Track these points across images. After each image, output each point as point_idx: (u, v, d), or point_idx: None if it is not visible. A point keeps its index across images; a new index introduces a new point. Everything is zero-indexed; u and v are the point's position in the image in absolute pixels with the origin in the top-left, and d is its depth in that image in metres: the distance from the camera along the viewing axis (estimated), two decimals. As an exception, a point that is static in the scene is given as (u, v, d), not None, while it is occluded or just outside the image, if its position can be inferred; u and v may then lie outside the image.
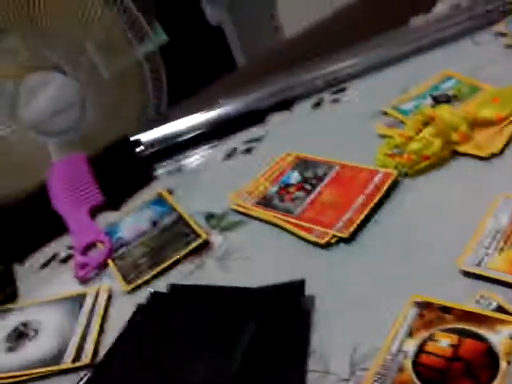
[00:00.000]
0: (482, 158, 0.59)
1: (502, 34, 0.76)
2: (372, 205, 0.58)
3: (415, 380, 0.41)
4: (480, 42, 0.78)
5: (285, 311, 0.49)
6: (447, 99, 0.69)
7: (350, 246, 0.55)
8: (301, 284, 0.50)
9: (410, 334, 0.45)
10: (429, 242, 0.53)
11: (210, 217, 0.66)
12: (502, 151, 0.59)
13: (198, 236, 0.62)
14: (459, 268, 0.48)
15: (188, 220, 0.65)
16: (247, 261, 0.58)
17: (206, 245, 0.61)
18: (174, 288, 0.56)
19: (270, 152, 0.71)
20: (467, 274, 0.48)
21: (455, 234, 0.52)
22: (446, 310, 0.45)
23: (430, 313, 0.46)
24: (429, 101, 0.70)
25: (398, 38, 0.81)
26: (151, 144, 0.79)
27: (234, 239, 0.61)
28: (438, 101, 0.69)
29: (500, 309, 0.44)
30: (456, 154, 0.61)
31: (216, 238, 0.62)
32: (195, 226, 0.64)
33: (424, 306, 0.46)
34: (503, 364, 0.40)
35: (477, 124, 0.62)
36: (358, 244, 0.55)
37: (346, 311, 0.49)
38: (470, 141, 0.61)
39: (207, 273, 0.58)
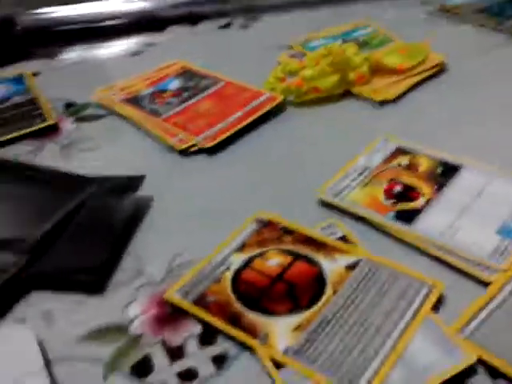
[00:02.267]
0: (373, 103, 0.55)
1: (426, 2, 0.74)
2: (245, 122, 0.52)
3: (230, 292, 0.36)
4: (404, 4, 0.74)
5: (111, 199, 0.42)
6: (357, 44, 0.64)
7: (211, 158, 0.49)
8: (137, 179, 0.44)
9: (241, 249, 0.39)
10: (294, 169, 0.48)
11: (69, 105, 0.57)
12: (395, 100, 0.55)
13: (45, 119, 0.54)
14: (318, 197, 0.43)
15: (40, 102, 0.56)
16: (94, 153, 0.51)
17: (53, 130, 0.53)
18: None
19: (159, 59, 0.64)
20: (324, 204, 0.43)
21: (324, 166, 0.47)
22: (287, 230, 0.40)
23: (271, 232, 0.40)
24: (339, 43, 0.65)
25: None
26: (30, 26, 0.69)
27: (87, 129, 0.54)
28: (347, 44, 0.64)
29: (343, 239, 0.40)
30: (349, 94, 0.56)
31: (67, 126, 0.54)
32: (45, 109, 0.55)
33: (266, 224, 0.41)
34: (329, 291, 0.36)
35: (378, 70, 0.58)
36: (219, 158, 0.49)
37: (183, 219, 0.43)
38: (367, 84, 0.57)
39: (45, 157, 0.50)
